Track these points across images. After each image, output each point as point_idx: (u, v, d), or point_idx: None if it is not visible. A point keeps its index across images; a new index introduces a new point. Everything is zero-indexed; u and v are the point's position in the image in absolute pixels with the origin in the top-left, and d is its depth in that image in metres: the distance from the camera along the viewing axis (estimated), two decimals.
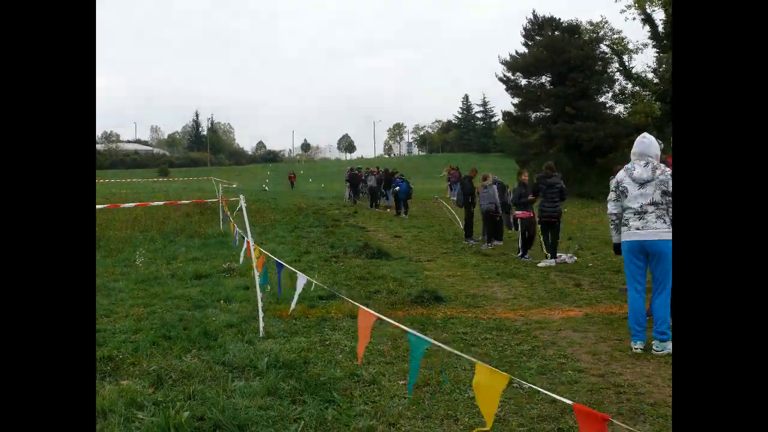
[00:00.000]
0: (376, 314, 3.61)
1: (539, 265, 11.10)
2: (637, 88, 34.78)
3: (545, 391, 2.46)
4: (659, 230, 5.75)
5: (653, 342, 5.78)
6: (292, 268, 6.20)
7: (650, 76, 34.24)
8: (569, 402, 2.22)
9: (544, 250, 11.49)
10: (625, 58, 35.63)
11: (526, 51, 37.94)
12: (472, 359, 2.51)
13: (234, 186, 20.91)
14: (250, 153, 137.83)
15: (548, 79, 37.06)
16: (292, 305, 5.95)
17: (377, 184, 26.87)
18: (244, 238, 8.08)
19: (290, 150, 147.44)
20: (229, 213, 13.73)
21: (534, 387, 2.77)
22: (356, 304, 4.25)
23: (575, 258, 11.58)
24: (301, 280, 5.59)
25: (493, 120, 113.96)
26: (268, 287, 7.10)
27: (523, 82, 38.09)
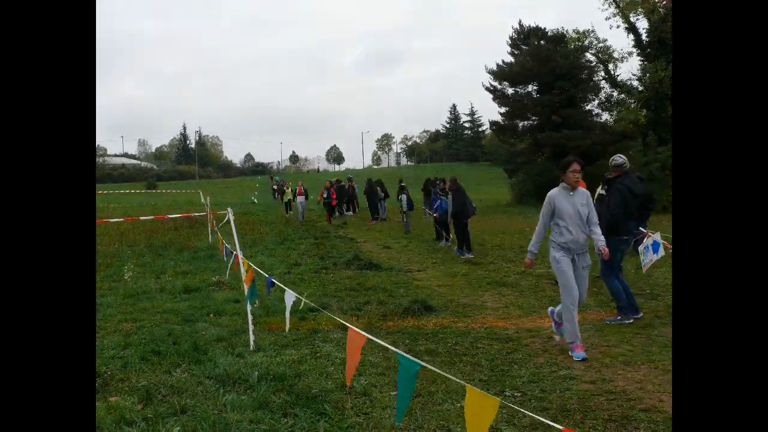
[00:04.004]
0: (366, 334, 3.58)
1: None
2: (623, 95, 35.03)
3: (539, 417, 2.46)
4: None
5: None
6: (281, 284, 6.18)
7: (635, 83, 34.53)
8: (560, 427, 2.21)
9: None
10: (611, 66, 35.92)
11: (513, 60, 38.17)
12: (461, 381, 2.50)
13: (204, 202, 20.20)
14: (238, 165, 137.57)
15: (535, 87, 37.25)
16: (287, 324, 5.91)
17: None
18: (232, 252, 8.06)
19: (278, 162, 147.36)
20: (215, 226, 13.67)
21: (529, 413, 2.76)
22: (347, 324, 4.23)
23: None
24: (289, 297, 5.56)
25: (480, 129, 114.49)
26: (257, 301, 7.07)
27: (510, 91, 38.27)
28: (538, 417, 2.45)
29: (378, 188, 25.90)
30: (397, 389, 3.02)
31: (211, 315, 7.81)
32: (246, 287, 6.43)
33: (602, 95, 36.64)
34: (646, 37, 32.71)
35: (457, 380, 2.39)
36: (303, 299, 5.19)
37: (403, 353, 3.00)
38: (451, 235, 16.25)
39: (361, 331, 3.62)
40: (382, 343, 3.68)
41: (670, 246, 8.49)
